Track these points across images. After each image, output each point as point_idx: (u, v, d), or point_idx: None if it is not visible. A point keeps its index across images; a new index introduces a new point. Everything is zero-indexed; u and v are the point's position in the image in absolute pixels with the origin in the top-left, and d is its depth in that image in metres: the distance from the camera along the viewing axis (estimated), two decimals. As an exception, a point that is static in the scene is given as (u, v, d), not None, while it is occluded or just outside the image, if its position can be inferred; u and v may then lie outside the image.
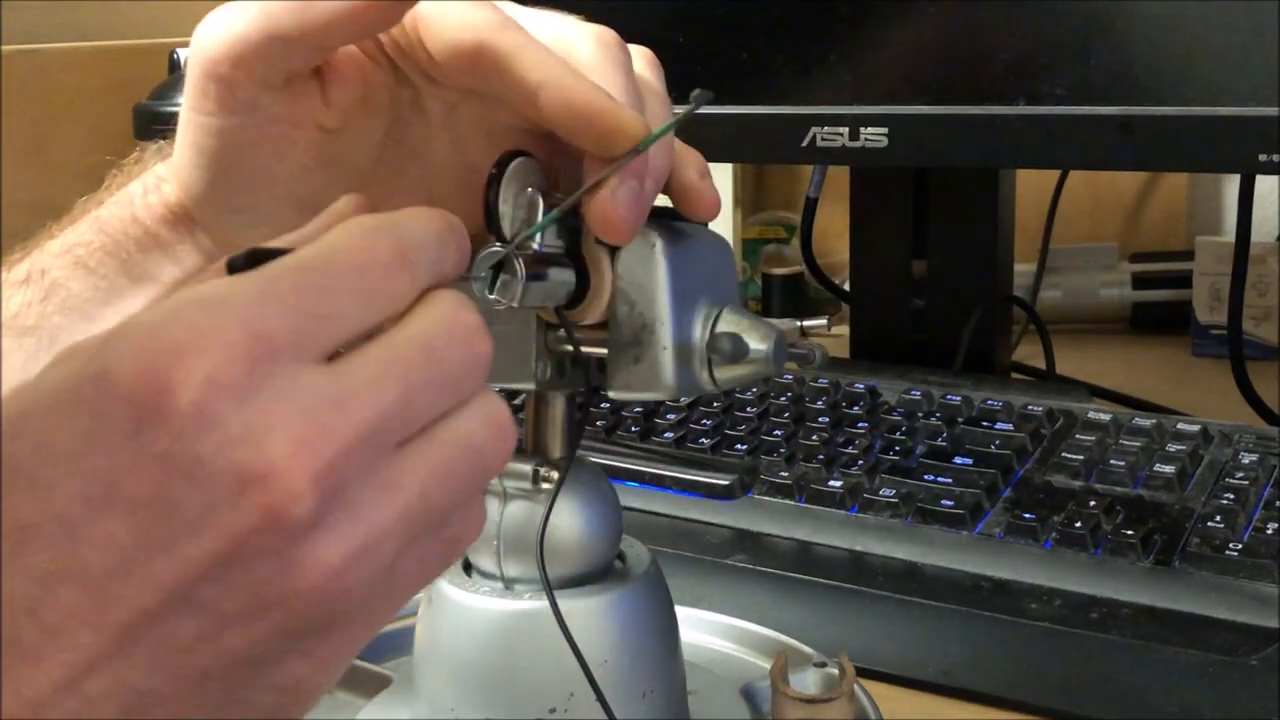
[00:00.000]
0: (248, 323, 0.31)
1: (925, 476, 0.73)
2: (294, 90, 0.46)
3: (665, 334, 0.45)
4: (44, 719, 0.30)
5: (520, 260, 0.42)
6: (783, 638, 0.58)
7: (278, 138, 0.47)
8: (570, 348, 0.46)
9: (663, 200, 0.48)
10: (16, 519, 0.30)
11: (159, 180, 0.53)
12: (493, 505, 0.47)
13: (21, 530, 0.30)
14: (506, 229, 0.43)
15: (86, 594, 0.30)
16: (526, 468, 0.47)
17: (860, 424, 0.79)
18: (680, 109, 0.44)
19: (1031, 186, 1.10)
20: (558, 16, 0.45)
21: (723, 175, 1.28)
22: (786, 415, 0.81)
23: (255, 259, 0.33)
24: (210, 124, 0.47)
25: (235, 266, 0.33)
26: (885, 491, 0.72)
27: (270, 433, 0.30)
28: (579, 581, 0.48)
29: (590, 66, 0.43)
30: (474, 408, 0.35)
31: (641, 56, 0.47)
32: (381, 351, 0.33)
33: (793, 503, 0.74)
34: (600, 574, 0.48)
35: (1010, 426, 0.78)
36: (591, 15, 0.46)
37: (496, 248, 0.42)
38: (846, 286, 1.06)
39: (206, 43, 0.45)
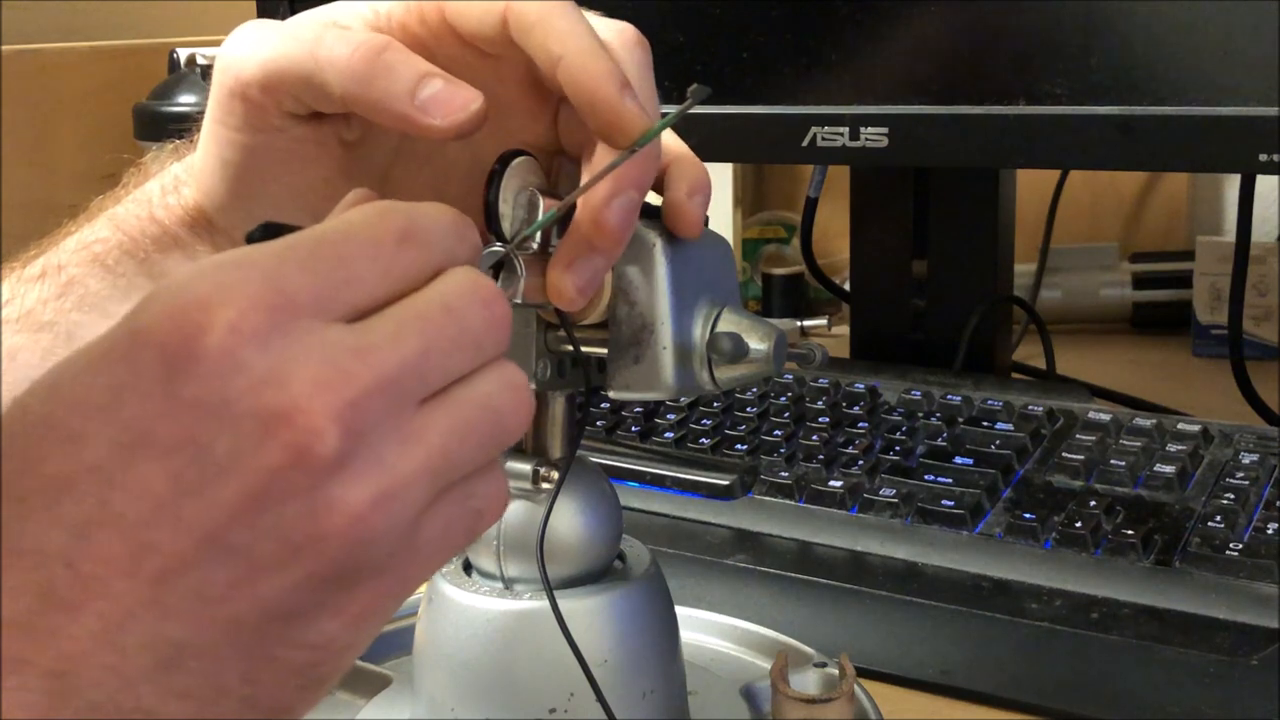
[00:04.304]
0: (269, 279, 0.32)
1: (925, 476, 0.73)
2: (319, 115, 0.47)
3: (665, 334, 0.45)
4: (81, 671, 0.31)
5: (520, 259, 0.42)
6: (783, 638, 0.58)
7: (303, 155, 0.47)
8: (570, 348, 0.46)
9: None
10: (51, 472, 0.31)
11: (177, 181, 0.53)
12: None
13: (56, 483, 0.31)
14: (506, 228, 0.43)
15: (122, 542, 0.31)
16: (526, 468, 0.47)
17: (860, 424, 0.79)
18: (672, 108, 0.43)
19: (1031, 186, 1.11)
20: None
21: (723, 175, 1.28)
22: (786, 415, 0.81)
23: (271, 231, 0.35)
24: (235, 139, 0.48)
25: (253, 238, 0.35)
26: (885, 491, 0.72)
27: (294, 376, 0.31)
28: (579, 581, 0.48)
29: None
30: (493, 371, 0.36)
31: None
32: (401, 310, 0.34)
33: (793, 503, 0.74)
34: (600, 574, 0.48)
35: (1010, 426, 0.78)
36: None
37: (496, 247, 0.42)
38: (846, 286, 1.06)
39: (237, 62, 0.46)
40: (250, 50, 0.45)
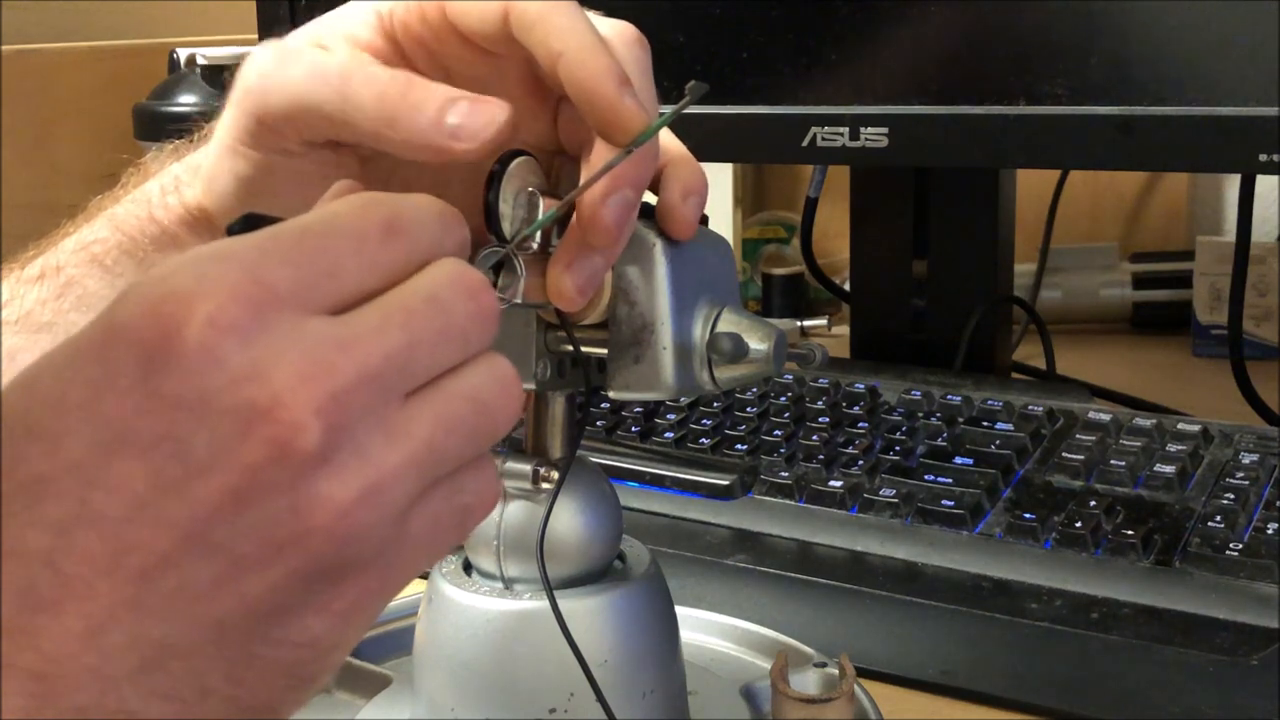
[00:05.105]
0: (249, 271, 0.32)
1: (925, 476, 0.73)
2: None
3: (665, 334, 0.45)
4: (64, 673, 0.31)
5: (520, 259, 0.42)
6: (783, 638, 0.58)
7: (322, 175, 0.47)
8: (570, 348, 0.46)
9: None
10: (29, 471, 0.31)
11: (177, 182, 0.53)
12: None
13: (35, 482, 0.31)
14: (506, 228, 0.43)
15: (103, 541, 0.31)
16: (526, 468, 0.47)
17: (860, 424, 0.79)
18: (668, 107, 0.43)
19: (1031, 186, 1.11)
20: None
21: (723, 175, 1.28)
22: (786, 415, 0.81)
23: (252, 223, 0.34)
24: (253, 156, 0.48)
25: (233, 230, 0.34)
26: (885, 491, 0.72)
27: (274, 369, 0.31)
28: (579, 581, 0.48)
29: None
30: (481, 364, 0.35)
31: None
32: (386, 302, 0.34)
33: (793, 503, 0.74)
34: (600, 574, 0.48)
35: (1010, 426, 0.78)
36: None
37: (497, 247, 0.42)
38: (846, 286, 1.06)
39: (261, 90, 0.45)
40: (276, 82, 0.45)
